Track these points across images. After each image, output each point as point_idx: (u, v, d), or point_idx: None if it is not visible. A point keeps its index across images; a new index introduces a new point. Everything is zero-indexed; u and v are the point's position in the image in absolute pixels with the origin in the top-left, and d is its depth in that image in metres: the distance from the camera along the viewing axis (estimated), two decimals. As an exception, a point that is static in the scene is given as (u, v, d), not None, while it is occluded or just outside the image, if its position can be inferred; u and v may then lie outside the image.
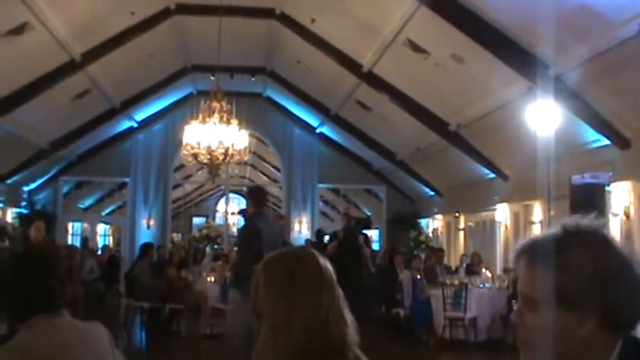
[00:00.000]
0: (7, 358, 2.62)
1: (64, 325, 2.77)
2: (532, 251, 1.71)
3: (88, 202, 26.32)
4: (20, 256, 2.99)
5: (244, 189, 11.36)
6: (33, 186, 21.75)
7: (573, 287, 1.61)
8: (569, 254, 1.64)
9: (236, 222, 38.67)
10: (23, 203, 21.19)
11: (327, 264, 2.17)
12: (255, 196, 9.23)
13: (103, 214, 27.66)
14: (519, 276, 1.74)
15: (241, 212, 10.23)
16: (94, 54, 14.87)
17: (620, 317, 1.63)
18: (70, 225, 24.48)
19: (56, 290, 2.82)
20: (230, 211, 25.42)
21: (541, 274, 1.66)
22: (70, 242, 22.28)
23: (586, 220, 1.70)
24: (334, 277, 2.16)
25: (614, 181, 11.22)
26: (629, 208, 11.56)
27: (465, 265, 15.95)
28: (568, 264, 1.62)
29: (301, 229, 23.01)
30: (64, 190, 23.39)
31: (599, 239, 1.66)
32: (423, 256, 17.48)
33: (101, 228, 27.75)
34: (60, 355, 2.66)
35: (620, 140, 11.52)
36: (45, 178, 22.01)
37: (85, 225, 25.91)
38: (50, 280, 2.82)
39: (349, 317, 2.14)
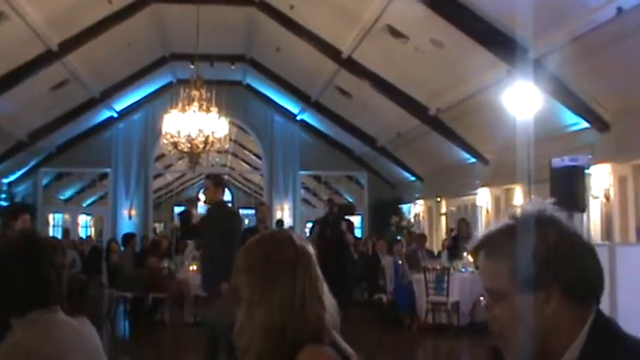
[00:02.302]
0: (9, 358, 2.47)
1: (60, 323, 2.62)
2: (486, 246, 1.79)
3: (68, 193, 26.16)
4: (19, 244, 2.69)
5: (205, 176, 11.04)
6: (12, 178, 21.60)
7: (526, 271, 1.68)
8: (521, 240, 1.70)
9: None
10: (3, 195, 21.03)
11: (305, 247, 2.18)
12: (224, 183, 9.19)
13: (84, 205, 27.52)
14: (481, 272, 1.81)
15: (196, 200, 10.08)
16: (71, 44, 14.76)
17: (580, 287, 1.69)
18: (50, 216, 24.35)
19: (55, 283, 2.64)
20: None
21: (499, 265, 1.74)
22: (51, 234, 22.13)
23: (529, 205, 1.79)
24: (314, 260, 2.17)
25: (594, 163, 11.29)
26: (608, 190, 11.65)
27: (446, 250, 16.00)
28: (522, 249, 1.69)
29: (283, 217, 23.01)
30: (44, 181, 23.24)
31: (544, 221, 1.73)
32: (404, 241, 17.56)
33: (82, 219, 27.61)
34: (61, 357, 2.52)
35: (599, 123, 11.59)
36: (24, 169, 21.87)
37: (66, 216, 25.78)
38: (50, 271, 2.63)
39: (329, 301, 2.14)
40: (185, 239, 11.94)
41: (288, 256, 2.13)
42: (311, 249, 2.19)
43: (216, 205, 8.86)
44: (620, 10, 8.63)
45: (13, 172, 21.32)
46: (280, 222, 19.52)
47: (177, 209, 33.05)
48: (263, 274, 2.10)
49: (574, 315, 1.69)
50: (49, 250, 2.69)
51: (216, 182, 8.97)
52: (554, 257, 1.67)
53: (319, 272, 2.16)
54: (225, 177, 37.59)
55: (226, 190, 9.12)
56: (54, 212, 24.86)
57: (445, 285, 12.81)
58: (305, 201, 26.48)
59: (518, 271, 1.69)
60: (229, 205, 9.02)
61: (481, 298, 1.80)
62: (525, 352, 1.71)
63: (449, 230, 17.48)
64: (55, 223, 24.85)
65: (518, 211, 1.78)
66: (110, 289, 14.14)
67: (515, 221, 1.76)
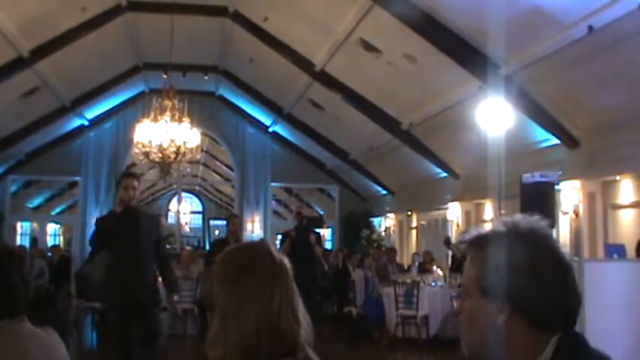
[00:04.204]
0: None
1: (27, 333, 2.58)
2: (473, 243, 1.84)
3: (37, 201, 25.91)
4: None
5: (127, 174, 9.49)
6: (-20, 185, 21.37)
7: (489, 278, 1.74)
8: (491, 248, 1.76)
9: (188, 221, 38.53)
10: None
11: (283, 260, 2.16)
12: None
13: (53, 213, 27.27)
14: (465, 264, 1.89)
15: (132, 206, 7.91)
16: (43, 51, 14.61)
17: (535, 314, 1.71)
18: (18, 225, 24.10)
19: (22, 293, 2.61)
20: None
21: (473, 264, 1.81)
22: (19, 242, 21.90)
23: (526, 218, 1.81)
24: (291, 274, 2.16)
25: (564, 179, 11.39)
26: (578, 206, 11.77)
27: (417, 264, 16.05)
28: (488, 257, 1.75)
29: (254, 228, 22.94)
30: (13, 189, 22.96)
31: (523, 236, 1.76)
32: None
33: (51, 228, 27.35)
34: None
35: (569, 140, 11.70)
36: (-8, 177, 21.65)
37: (35, 225, 25.52)
38: (16, 280, 2.59)
39: (303, 317, 2.13)
40: (100, 250, 10.46)
41: (267, 268, 2.11)
42: (288, 262, 2.18)
43: (137, 208, 8.00)
44: (591, 28, 8.72)
45: (-20, 180, 21.10)
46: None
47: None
48: (240, 286, 2.08)
49: (528, 337, 1.72)
50: (16, 259, 2.65)
51: (139, 181, 8.08)
52: (515, 277, 1.70)
53: (295, 287, 2.16)
54: (197, 188, 37.59)
55: None
56: (22, 220, 24.61)
57: (415, 299, 12.85)
58: (276, 213, 26.44)
59: (481, 276, 1.76)
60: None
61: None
62: (475, 353, 1.80)
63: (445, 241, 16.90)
64: (23, 232, 24.58)
65: (512, 221, 1.80)
66: (78, 300, 14.00)
67: (500, 229, 1.80)
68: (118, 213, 7.79)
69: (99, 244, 8.37)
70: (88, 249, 17.03)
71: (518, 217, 1.81)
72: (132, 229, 7.65)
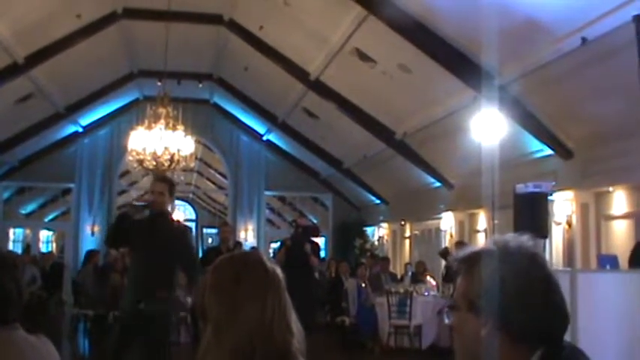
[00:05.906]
0: None
1: (20, 340, 2.54)
2: (465, 261, 1.90)
3: (30, 207, 25.82)
4: None
5: (158, 178, 7.74)
6: (-27, 191, 21.31)
7: (476, 293, 1.80)
8: (481, 265, 1.82)
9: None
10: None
11: (275, 270, 2.16)
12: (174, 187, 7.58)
13: (46, 220, 27.18)
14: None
15: (149, 204, 7.29)
16: (38, 57, 14.60)
17: (518, 329, 1.76)
18: (11, 231, 24.02)
19: (15, 299, 2.56)
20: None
21: (462, 280, 1.88)
22: (11, 249, 21.82)
23: (516, 238, 1.87)
24: (283, 284, 2.15)
25: (557, 190, 11.40)
26: (571, 217, 11.79)
27: (410, 274, 16.02)
28: (477, 273, 1.82)
29: (247, 237, 22.91)
30: (5, 195, 22.92)
31: (512, 255, 1.81)
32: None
33: (44, 234, 27.26)
34: None
35: (562, 150, 11.72)
36: (-15, 183, 21.59)
37: (27, 231, 25.44)
38: (9, 286, 2.55)
39: (296, 327, 2.13)
40: (113, 246, 9.90)
41: (259, 278, 2.11)
42: (280, 272, 2.18)
43: (163, 214, 7.32)
44: (584, 40, 8.76)
45: (-27, 186, 21.04)
46: (239, 244, 19.22)
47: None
48: (232, 295, 2.08)
49: (512, 352, 1.76)
50: (9, 265, 2.64)
51: (172, 189, 7.43)
52: (501, 294, 1.75)
53: (288, 297, 2.16)
54: (190, 195, 37.49)
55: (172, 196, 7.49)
56: (14, 227, 24.53)
57: (408, 308, 12.83)
58: (269, 221, 26.42)
59: (469, 291, 1.83)
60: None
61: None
62: None
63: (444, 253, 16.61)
64: (15, 238, 24.51)
65: (503, 240, 1.87)
66: (73, 307, 13.95)
67: (491, 247, 1.85)
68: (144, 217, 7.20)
69: (114, 239, 7.84)
70: (82, 256, 17.02)
71: (510, 236, 1.87)
72: (150, 236, 7.08)
